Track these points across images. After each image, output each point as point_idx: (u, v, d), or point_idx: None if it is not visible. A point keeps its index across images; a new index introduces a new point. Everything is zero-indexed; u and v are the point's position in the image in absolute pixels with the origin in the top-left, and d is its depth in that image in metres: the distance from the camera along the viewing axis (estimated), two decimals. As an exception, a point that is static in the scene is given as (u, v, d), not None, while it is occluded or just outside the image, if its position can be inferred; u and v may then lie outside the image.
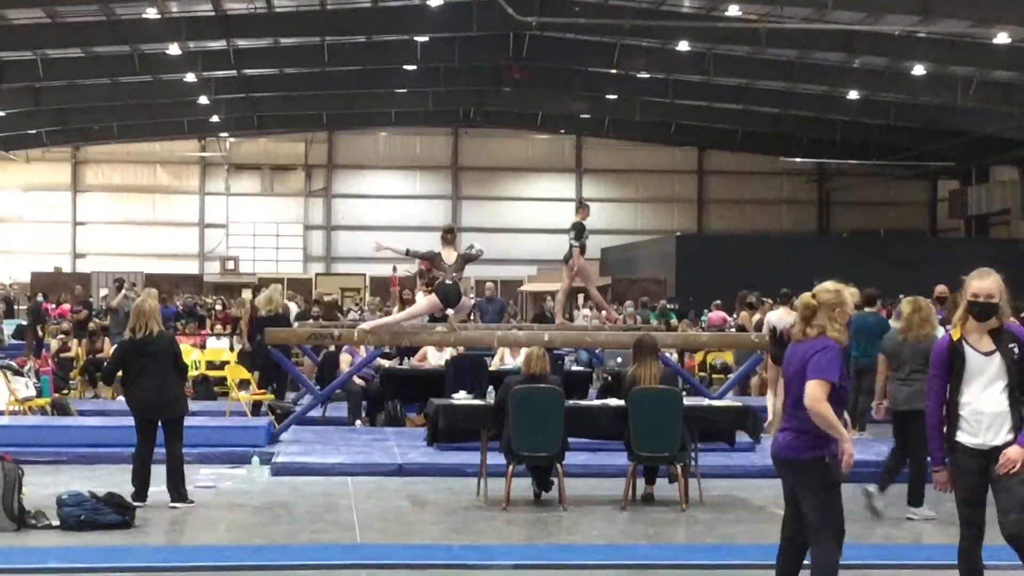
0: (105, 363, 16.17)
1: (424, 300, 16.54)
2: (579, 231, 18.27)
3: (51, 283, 43.43)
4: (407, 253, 16.03)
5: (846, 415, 7.32)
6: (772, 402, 18.84)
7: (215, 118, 46.87)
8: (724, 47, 37.40)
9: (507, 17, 31.22)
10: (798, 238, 51.15)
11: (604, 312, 19.02)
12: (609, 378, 19.26)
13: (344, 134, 54.20)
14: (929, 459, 7.62)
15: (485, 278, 34.00)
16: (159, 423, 11.94)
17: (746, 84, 41.93)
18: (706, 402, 14.23)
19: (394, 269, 32.38)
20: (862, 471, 14.09)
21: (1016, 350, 7.28)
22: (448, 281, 15.37)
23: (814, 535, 7.30)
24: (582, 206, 18.68)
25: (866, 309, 18.29)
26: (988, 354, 7.29)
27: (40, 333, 28.33)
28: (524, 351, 13.24)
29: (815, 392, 6.99)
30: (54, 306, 34.44)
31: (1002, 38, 31.49)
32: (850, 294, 7.41)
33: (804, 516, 7.28)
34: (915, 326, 11.93)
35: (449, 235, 15.82)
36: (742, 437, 13.64)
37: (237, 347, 23.61)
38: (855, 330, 17.62)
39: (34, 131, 47.73)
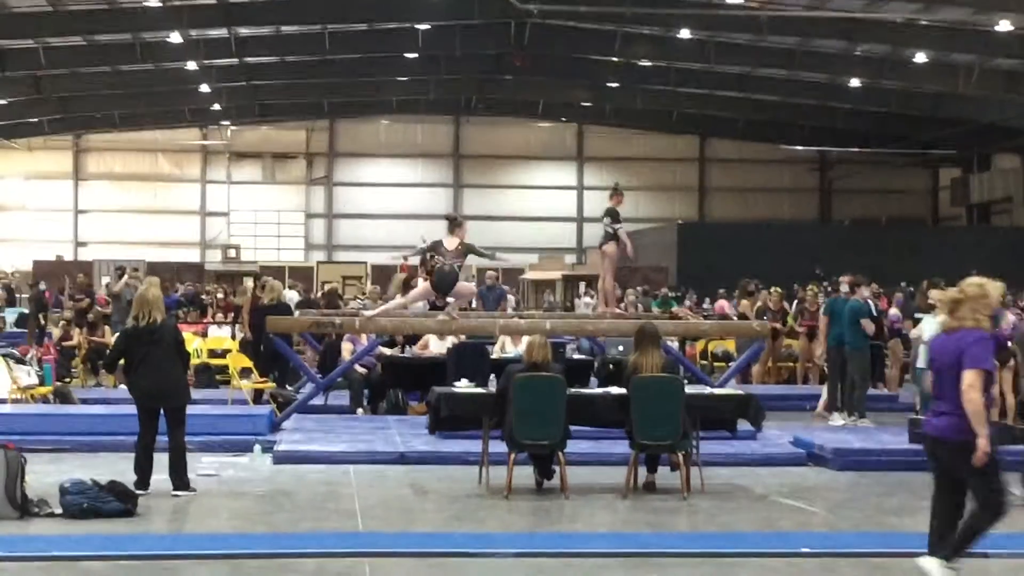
0: (107, 351, 16.17)
1: (420, 286, 16.52)
2: (614, 217, 17.96)
3: (53, 271, 43.44)
4: (420, 254, 15.94)
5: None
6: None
7: (216, 106, 46.87)
8: (725, 35, 37.37)
9: (508, 5, 31.22)
10: (800, 226, 51.18)
11: (608, 306, 18.92)
12: (611, 366, 19.26)
13: (345, 122, 54.19)
14: None
15: (486, 266, 34.02)
16: (161, 411, 11.95)
17: (747, 72, 41.90)
18: (707, 390, 14.23)
19: (404, 258, 32.33)
20: (866, 459, 14.17)
21: None
22: (445, 267, 15.35)
23: (979, 504, 7.85)
24: (616, 192, 18.26)
25: (853, 296, 18.34)
26: None
27: (42, 321, 28.35)
28: (526, 339, 13.24)
29: (973, 381, 7.52)
30: (60, 295, 34.44)
31: (1004, 26, 31.47)
32: (994, 288, 7.78)
33: (972, 492, 7.83)
34: None
35: (453, 223, 15.81)
36: (743, 425, 13.66)
37: (239, 335, 23.62)
38: (848, 319, 17.78)
39: (36, 119, 47.72)
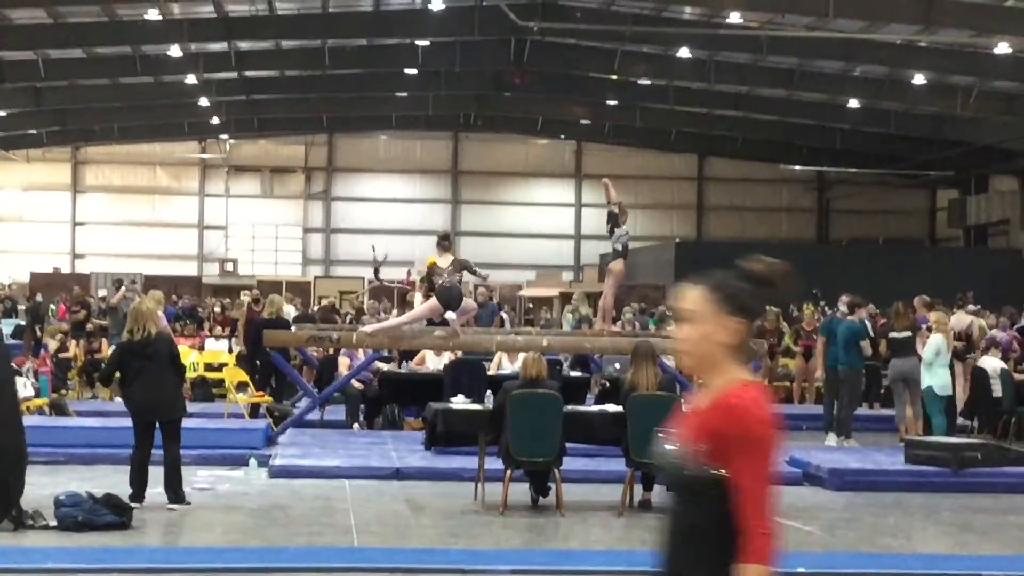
0: (103, 364, 16.17)
1: (424, 304, 16.56)
2: (615, 222, 17.92)
3: (50, 283, 43.42)
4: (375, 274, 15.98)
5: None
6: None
7: (215, 120, 46.86)
8: (725, 54, 37.41)
9: (508, 22, 31.23)
10: (797, 246, 51.09)
11: (606, 323, 18.90)
12: (607, 384, 19.25)
13: (344, 137, 54.19)
14: None
15: (478, 283, 34.00)
16: (157, 424, 11.94)
17: (746, 91, 41.92)
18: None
19: (408, 273, 32.30)
20: (861, 480, 14.17)
21: None
22: (447, 284, 15.42)
23: None
24: (621, 212, 18.22)
25: (849, 317, 18.33)
26: None
27: (38, 333, 28.33)
28: (521, 356, 13.25)
29: None
30: (53, 307, 34.48)
31: (1003, 48, 31.53)
32: None
33: None
34: None
35: (445, 241, 15.91)
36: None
37: (236, 349, 23.61)
38: (843, 340, 17.78)
39: (34, 131, 47.70)
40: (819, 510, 12.72)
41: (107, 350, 21.54)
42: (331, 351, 19.27)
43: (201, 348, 26.06)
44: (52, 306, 34.96)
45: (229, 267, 51.56)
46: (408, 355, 19.60)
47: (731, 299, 3.69)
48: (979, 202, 51.24)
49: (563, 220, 54.79)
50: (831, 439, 17.79)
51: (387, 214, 53.29)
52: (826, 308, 27.18)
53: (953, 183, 52.65)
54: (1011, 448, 15.50)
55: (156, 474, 11.80)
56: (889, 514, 12.52)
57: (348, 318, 28.60)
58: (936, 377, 16.85)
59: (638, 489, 12.49)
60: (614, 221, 17.42)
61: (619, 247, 17.50)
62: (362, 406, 18.63)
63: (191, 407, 14.61)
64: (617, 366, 19.46)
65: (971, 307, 24.69)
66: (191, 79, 39.75)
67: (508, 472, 11.99)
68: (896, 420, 18.12)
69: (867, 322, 19.93)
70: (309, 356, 20.75)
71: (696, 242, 52.21)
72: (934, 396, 16.90)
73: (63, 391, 21.37)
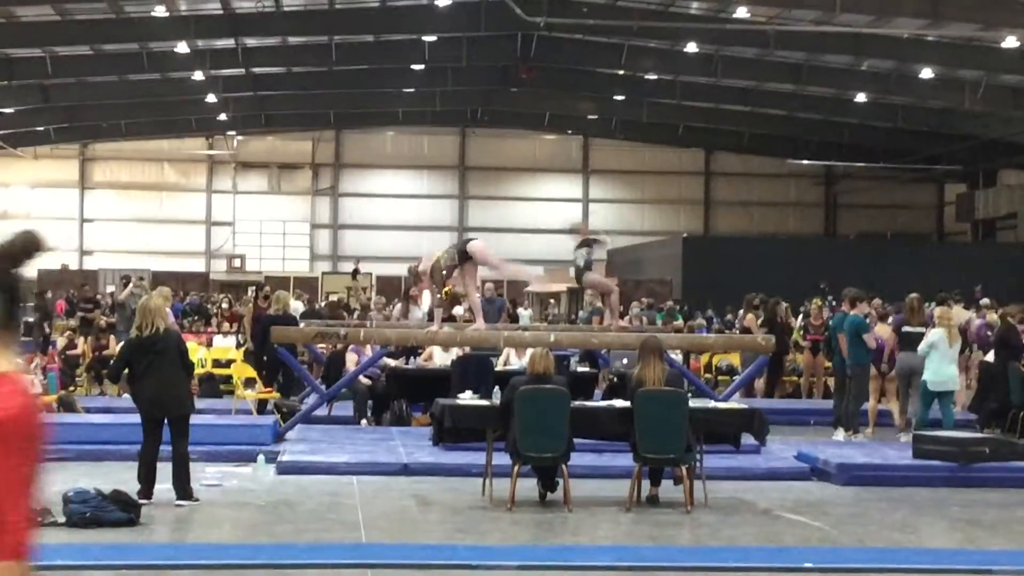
0: (111, 360, 16.18)
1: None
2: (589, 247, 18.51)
3: (58, 280, 43.48)
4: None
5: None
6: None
7: (223, 116, 46.89)
8: (732, 49, 37.40)
9: (515, 17, 31.23)
10: (805, 241, 51.11)
11: (614, 321, 18.90)
12: (615, 379, 19.26)
13: (351, 133, 54.23)
14: None
15: (486, 278, 33.94)
16: (165, 421, 11.95)
17: (754, 86, 41.93)
18: (711, 404, 14.21)
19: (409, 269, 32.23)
20: (870, 474, 14.15)
21: None
22: None
23: None
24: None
25: (852, 311, 18.25)
26: None
27: (47, 330, 28.36)
28: (529, 351, 13.25)
29: None
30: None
31: (1010, 42, 31.51)
32: None
33: None
34: None
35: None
36: (747, 440, 13.64)
37: (243, 345, 23.63)
38: (849, 334, 17.71)
39: (42, 128, 47.79)
40: (827, 505, 12.71)
41: (115, 347, 21.56)
42: (338, 347, 19.27)
43: (209, 344, 26.07)
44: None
45: (237, 263, 51.61)
46: (415, 351, 19.60)
47: None
48: (987, 196, 51.15)
49: (570, 215, 54.66)
50: (839, 434, 17.77)
51: (394, 210, 53.34)
52: (833, 303, 27.15)
53: (961, 177, 52.59)
54: (1019, 443, 15.47)
55: (164, 470, 11.81)
56: (897, 509, 12.50)
57: (355, 314, 28.63)
58: (931, 372, 16.78)
59: (646, 484, 12.48)
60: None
61: (580, 263, 17.95)
62: (370, 402, 18.64)
63: (199, 403, 14.61)
64: (625, 361, 19.45)
65: (984, 301, 24.62)
66: (198, 75, 39.81)
67: (516, 468, 11.98)
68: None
69: (876, 316, 19.89)
70: (317, 352, 20.74)
71: (703, 237, 52.21)
72: (925, 390, 16.84)
73: (71, 388, 21.39)
